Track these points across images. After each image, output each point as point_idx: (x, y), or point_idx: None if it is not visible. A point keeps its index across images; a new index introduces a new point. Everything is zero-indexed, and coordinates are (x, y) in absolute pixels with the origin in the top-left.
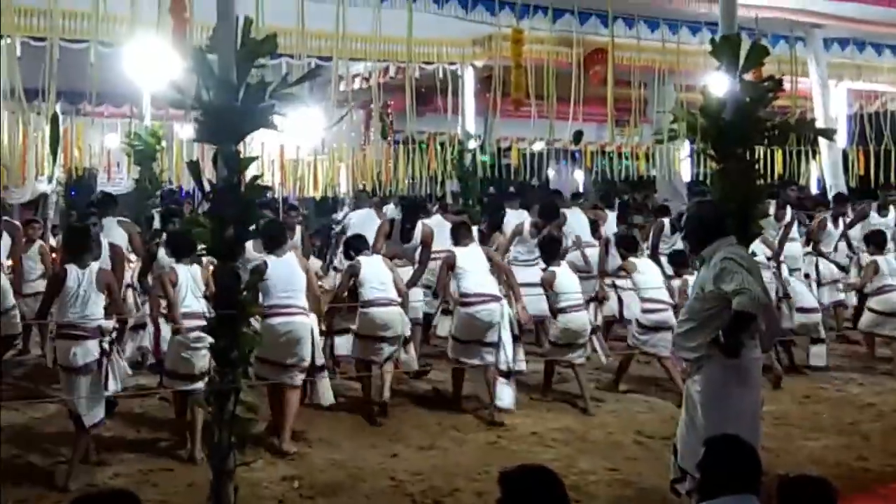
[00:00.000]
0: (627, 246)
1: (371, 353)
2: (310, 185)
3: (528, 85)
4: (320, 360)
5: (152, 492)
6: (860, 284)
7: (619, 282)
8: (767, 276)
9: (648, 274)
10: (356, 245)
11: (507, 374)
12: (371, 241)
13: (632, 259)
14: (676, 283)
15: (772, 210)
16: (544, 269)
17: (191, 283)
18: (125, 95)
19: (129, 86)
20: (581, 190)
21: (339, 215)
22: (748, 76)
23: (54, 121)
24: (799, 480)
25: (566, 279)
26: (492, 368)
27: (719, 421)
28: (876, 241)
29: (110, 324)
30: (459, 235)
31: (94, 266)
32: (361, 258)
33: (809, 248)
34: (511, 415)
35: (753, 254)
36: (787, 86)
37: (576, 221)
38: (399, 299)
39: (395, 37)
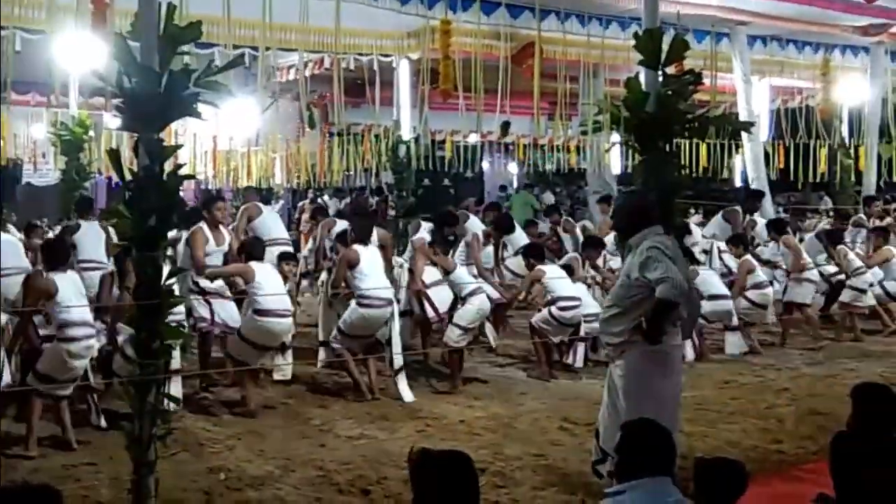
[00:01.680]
0: (535, 255)
1: (256, 359)
2: (244, 177)
3: (458, 77)
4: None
5: (75, 486)
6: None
7: None
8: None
9: (556, 275)
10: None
11: (400, 370)
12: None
13: (539, 266)
14: None
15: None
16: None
17: (72, 290)
18: (51, 84)
19: (55, 73)
20: (514, 183)
21: (274, 207)
22: (670, 70)
23: None
24: (713, 462)
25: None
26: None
27: (639, 405)
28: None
29: None
30: (362, 233)
31: None
32: (254, 264)
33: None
34: (440, 403)
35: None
36: (708, 81)
37: (520, 234)
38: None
39: (328, 28)
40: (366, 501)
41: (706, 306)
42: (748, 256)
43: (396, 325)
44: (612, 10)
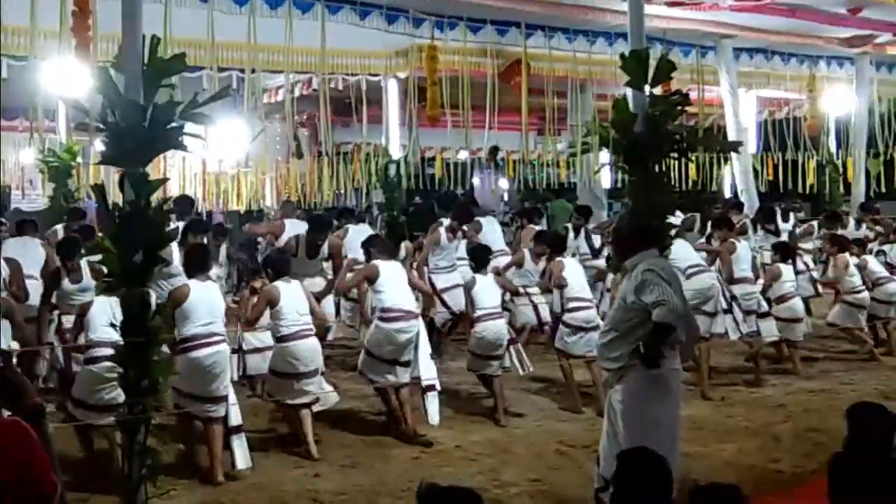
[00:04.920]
0: (556, 246)
1: (294, 394)
2: (233, 199)
3: (448, 96)
4: (237, 421)
5: None
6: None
7: (531, 289)
8: (711, 280)
9: (574, 272)
10: (277, 266)
11: (432, 388)
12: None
13: (559, 258)
14: None
15: (697, 225)
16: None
17: (106, 312)
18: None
19: (42, 100)
20: (506, 198)
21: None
22: (657, 90)
23: None
24: (709, 489)
25: (484, 289)
26: (408, 388)
27: (639, 431)
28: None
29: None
30: (377, 248)
31: None
32: (280, 283)
33: None
34: (435, 428)
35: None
36: (696, 94)
37: (490, 230)
38: (314, 330)
39: (315, 48)
40: None
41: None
42: (780, 264)
43: (425, 342)
44: (599, 25)
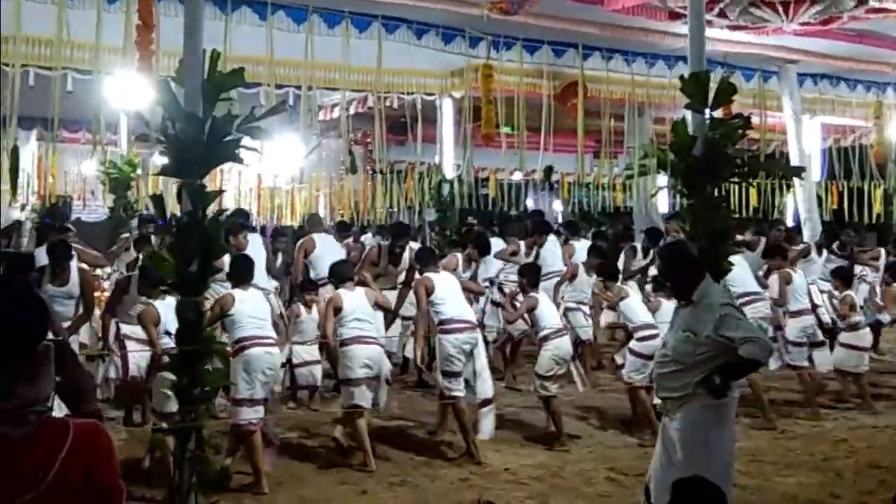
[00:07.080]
0: (610, 274)
1: (358, 398)
2: (287, 214)
3: (503, 117)
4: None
5: None
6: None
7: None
8: (765, 309)
9: (636, 299)
10: (340, 273)
11: (486, 404)
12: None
13: (619, 285)
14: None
15: (760, 247)
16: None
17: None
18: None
19: (105, 113)
20: (560, 220)
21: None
22: (718, 113)
23: (14, 152)
24: None
25: (547, 306)
26: (464, 402)
27: (698, 459)
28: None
29: None
30: (428, 260)
31: None
32: (343, 291)
33: None
34: (484, 449)
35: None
36: (758, 119)
37: (553, 247)
38: (382, 337)
39: (371, 67)
40: None
41: None
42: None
43: (483, 353)
44: (658, 48)
